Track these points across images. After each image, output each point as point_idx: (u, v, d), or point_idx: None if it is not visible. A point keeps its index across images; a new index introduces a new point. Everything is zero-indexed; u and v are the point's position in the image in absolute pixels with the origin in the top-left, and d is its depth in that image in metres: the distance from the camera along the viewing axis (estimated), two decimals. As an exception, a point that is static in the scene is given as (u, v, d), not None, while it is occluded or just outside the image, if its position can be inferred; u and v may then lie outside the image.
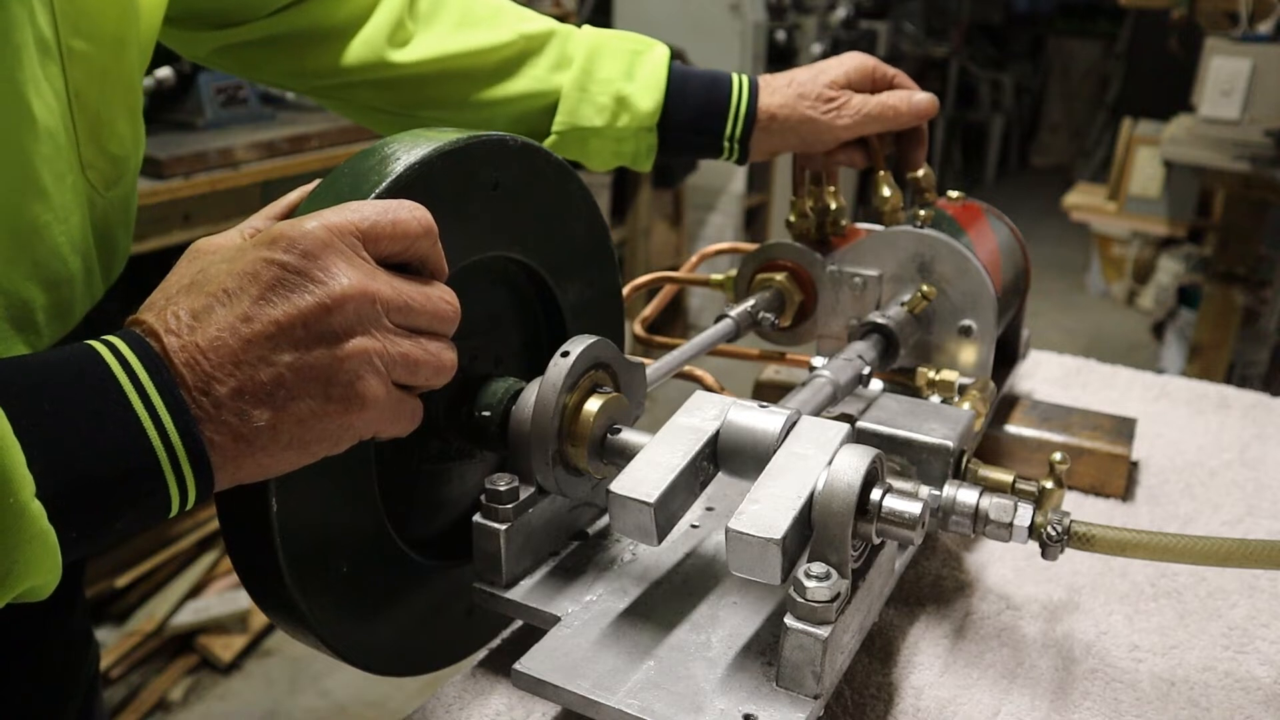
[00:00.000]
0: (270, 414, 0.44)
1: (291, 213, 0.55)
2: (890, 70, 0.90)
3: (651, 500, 0.54)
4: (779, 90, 0.87)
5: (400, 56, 0.83)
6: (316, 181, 0.57)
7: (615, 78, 0.87)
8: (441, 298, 0.51)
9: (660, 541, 0.55)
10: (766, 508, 0.52)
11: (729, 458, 0.60)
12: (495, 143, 0.61)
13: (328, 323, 0.45)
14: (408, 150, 0.56)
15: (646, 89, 0.87)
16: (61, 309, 0.58)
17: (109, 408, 0.41)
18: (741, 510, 0.52)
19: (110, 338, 0.43)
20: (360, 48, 0.82)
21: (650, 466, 0.56)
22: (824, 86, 0.86)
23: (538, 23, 0.88)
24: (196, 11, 0.79)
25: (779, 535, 0.50)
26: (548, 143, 0.88)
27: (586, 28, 0.90)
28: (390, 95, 0.85)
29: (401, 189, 0.54)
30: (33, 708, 0.67)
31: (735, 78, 0.89)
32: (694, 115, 0.88)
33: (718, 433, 0.60)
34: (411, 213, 0.50)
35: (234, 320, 0.44)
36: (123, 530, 0.43)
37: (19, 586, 0.39)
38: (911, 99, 0.88)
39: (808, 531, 0.54)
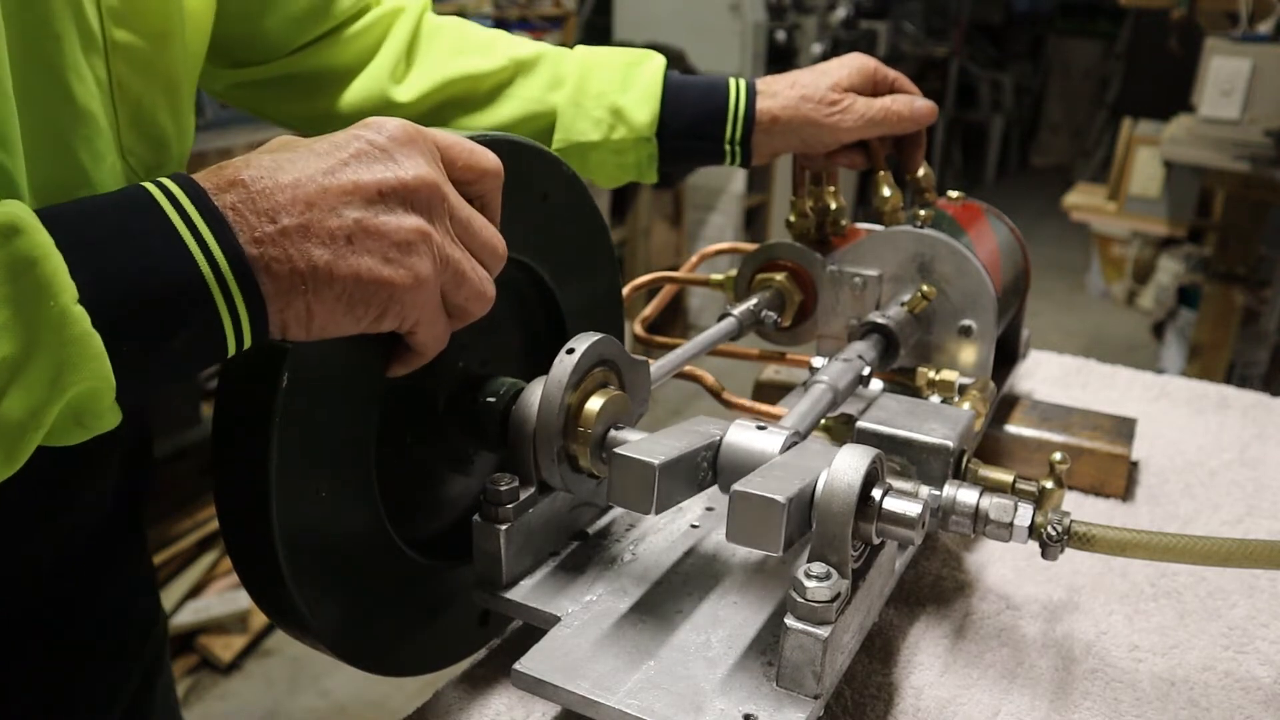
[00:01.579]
0: (330, 257, 0.46)
1: None
2: (891, 73, 0.90)
3: (656, 462, 0.54)
4: (780, 93, 0.87)
5: (402, 95, 0.84)
6: None
7: (610, 90, 0.87)
8: (496, 234, 0.55)
9: (657, 511, 0.55)
10: (772, 480, 0.53)
11: (726, 473, 0.60)
12: (539, 151, 0.64)
13: (400, 196, 0.49)
14: (477, 130, 0.60)
15: (642, 99, 0.87)
16: None
17: (150, 227, 0.43)
18: (746, 478, 0.53)
19: (159, 180, 0.45)
20: (364, 87, 0.83)
21: (655, 442, 0.57)
22: (827, 89, 0.86)
23: (528, 47, 0.89)
24: (219, 47, 0.80)
25: (785, 497, 0.50)
26: None
27: (579, 47, 0.91)
28: None
29: None
30: (73, 686, 0.68)
31: (732, 81, 0.89)
32: (692, 121, 0.88)
33: (719, 445, 0.60)
34: (485, 152, 0.55)
35: (315, 171, 0.47)
36: (182, 355, 0.44)
37: (68, 390, 0.40)
38: (914, 104, 0.88)
39: (808, 524, 0.54)
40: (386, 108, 0.84)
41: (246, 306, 0.44)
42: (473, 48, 0.87)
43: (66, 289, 0.39)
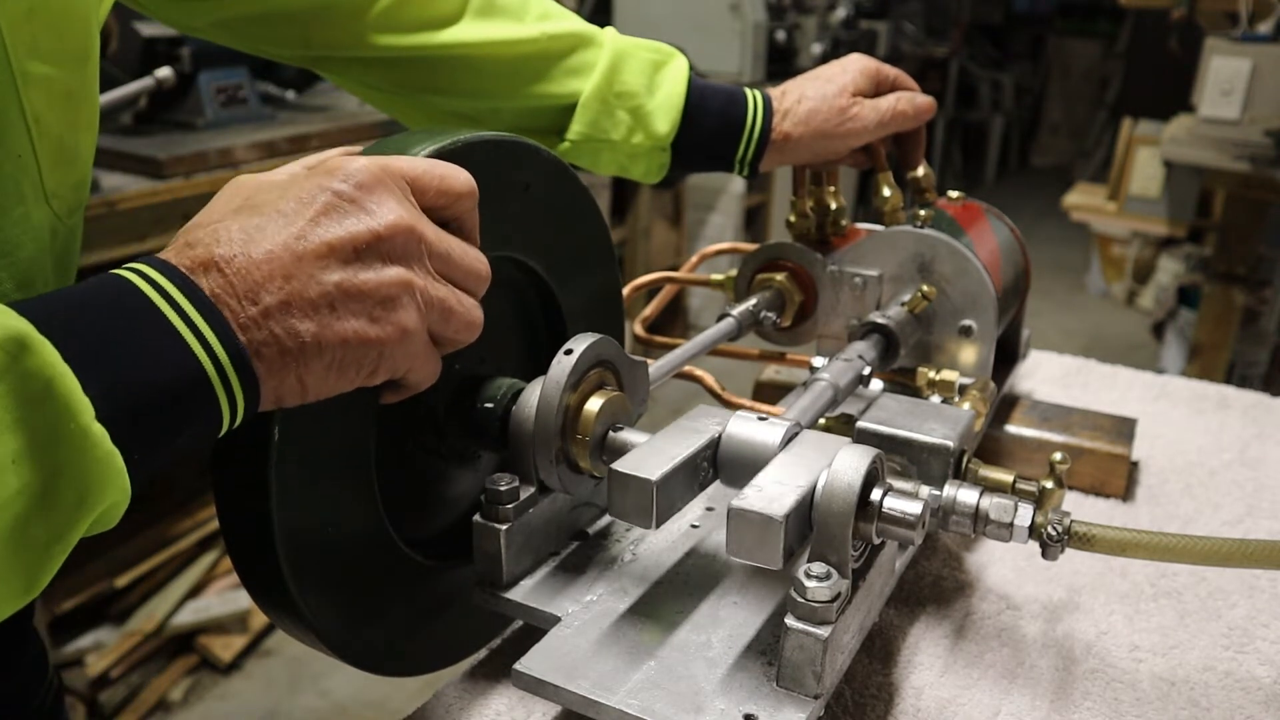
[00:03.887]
0: (315, 329, 0.45)
1: None
2: (891, 71, 0.90)
3: (654, 478, 0.54)
4: (792, 111, 0.86)
5: (412, 39, 0.81)
6: (355, 148, 0.58)
7: (637, 91, 0.86)
8: (477, 256, 0.53)
9: (658, 525, 0.55)
10: (769, 492, 0.53)
11: (728, 466, 0.60)
12: (524, 145, 0.63)
13: (376, 249, 0.47)
14: (450, 135, 0.59)
15: (664, 108, 0.86)
16: None
17: (150, 328, 0.41)
18: (744, 493, 0.53)
19: (134, 265, 0.43)
20: (369, 26, 0.80)
21: (653, 452, 0.57)
22: (835, 97, 0.86)
23: (563, 22, 0.86)
24: None
25: (782, 514, 0.50)
26: (560, 149, 0.87)
27: (609, 30, 0.88)
28: (397, 75, 0.84)
29: (445, 158, 0.56)
30: None
31: (751, 98, 0.87)
32: (708, 137, 0.88)
33: (719, 439, 0.60)
34: (458, 173, 0.52)
35: (287, 238, 0.45)
36: (182, 449, 0.43)
37: (94, 510, 0.39)
38: (915, 101, 0.88)
39: (808, 529, 0.54)
40: (394, 48, 0.81)
41: (244, 395, 0.44)
42: (504, 8, 0.84)
43: (85, 408, 0.38)
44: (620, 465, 0.55)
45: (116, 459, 0.39)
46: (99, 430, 0.38)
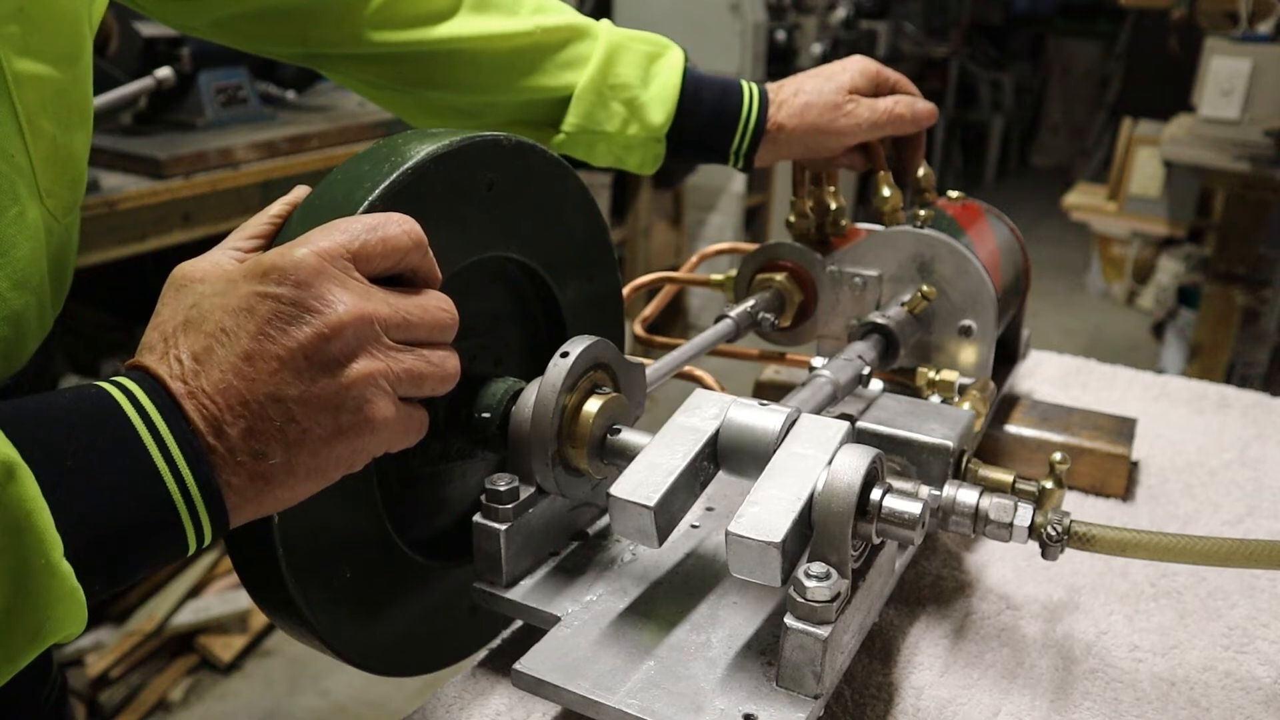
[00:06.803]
0: (284, 450, 0.44)
1: (278, 230, 0.54)
2: (892, 74, 0.90)
3: (651, 504, 0.54)
4: (787, 102, 0.87)
5: (408, 35, 0.81)
6: (300, 188, 0.56)
7: (632, 83, 0.86)
8: (438, 307, 0.51)
9: (661, 544, 0.55)
10: (766, 510, 0.52)
11: (729, 456, 0.60)
12: (489, 143, 0.61)
13: (329, 351, 0.45)
14: (401, 155, 0.56)
15: (659, 99, 0.86)
16: (5, 350, 0.55)
17: (130, 464, 0.41)
18: (741, 513, 0.52)
19: (127, 384, 0.43)
20: (365, 22, 0.80)
21: (650, 469, 0.56)
22: (832, 94, 0.86)
23: (557, 16, 0.86)
24: None
25: (779, 539, 0.50)
26: (555, 141, 0.87)
27: (605, 23, 0.89)
28: (394, 71, 0.84)
29: (396, 194, 0.54)
30: None
31: (746, 89, 0.88)
32: (703, 128, 0.88)
33: (718, 432, 0.60)
34: (400, 226, 0.49)
35: (236, 360, 0.44)
36: (144, 576, 0.43)
37: (49, 641, 0.40)
38: (914, 106, 0.88)
39: (808, 532, 0.54)
40: (390, 45, 0.81)
41: (212, 526, 0.44)
42: (497, 1, 0.84)
43: (56, 545, 0.38)
44: (617, 490, 0.55)
45: (79, 594, 0.39)
46: (66, 568, 0.39)
